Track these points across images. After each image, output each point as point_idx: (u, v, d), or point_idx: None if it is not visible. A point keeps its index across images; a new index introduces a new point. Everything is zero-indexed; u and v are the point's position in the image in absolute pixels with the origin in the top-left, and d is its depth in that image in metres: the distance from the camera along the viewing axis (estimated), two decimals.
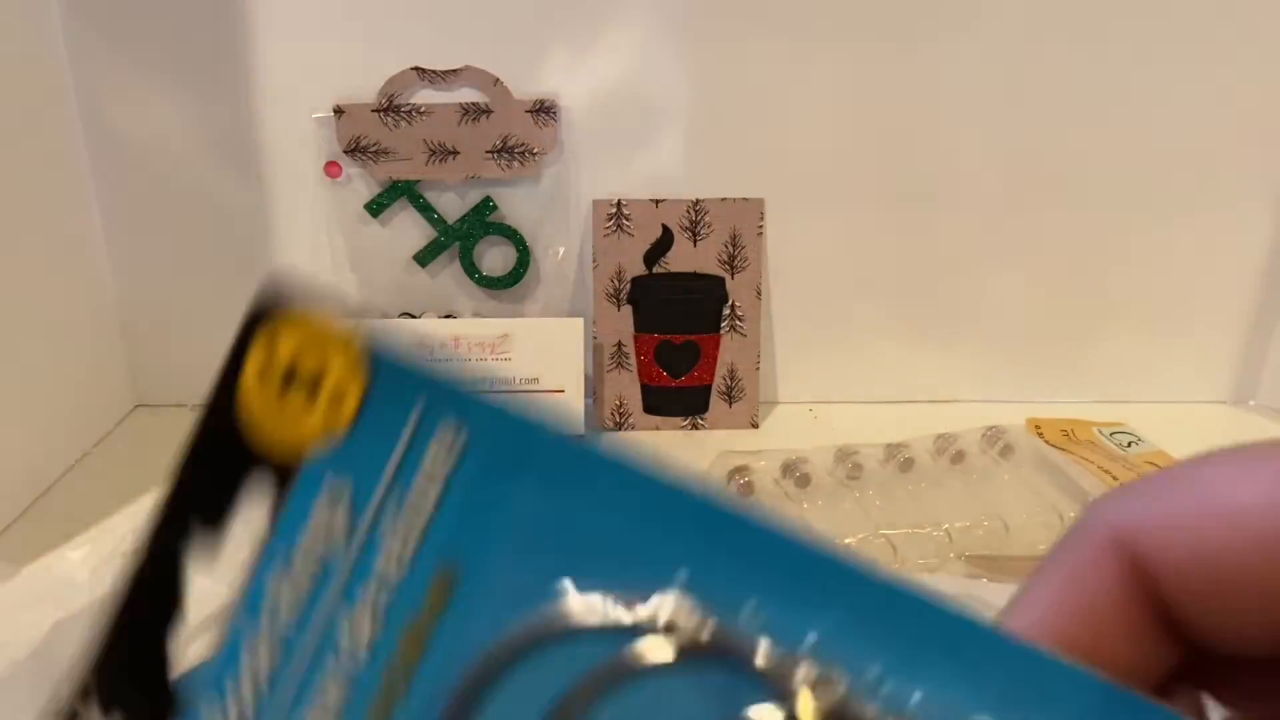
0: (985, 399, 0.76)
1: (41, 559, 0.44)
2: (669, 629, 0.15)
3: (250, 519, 0.19)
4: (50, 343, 0.66)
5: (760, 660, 0.15)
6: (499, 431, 0.16)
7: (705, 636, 0.15)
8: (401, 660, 0.16)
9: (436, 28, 0.67)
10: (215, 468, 0.19)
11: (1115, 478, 0.60)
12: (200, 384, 0.66)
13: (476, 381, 0.16)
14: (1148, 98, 0.69)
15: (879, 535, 0.55)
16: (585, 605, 0.15)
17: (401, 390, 0.17)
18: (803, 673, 0.15)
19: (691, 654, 0.15)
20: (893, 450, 0.62)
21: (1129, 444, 0.67)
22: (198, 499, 0.19)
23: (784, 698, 0.15)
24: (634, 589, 0.15)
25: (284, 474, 0.18)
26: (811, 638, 0.15)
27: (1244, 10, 0.67)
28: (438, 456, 0.16)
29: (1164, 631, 0.16)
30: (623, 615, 0.15)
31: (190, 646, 0.44)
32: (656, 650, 0.15)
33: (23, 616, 0.40)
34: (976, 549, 0.54)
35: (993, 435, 0.64)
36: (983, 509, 0.57)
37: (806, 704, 0.15)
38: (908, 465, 0.61)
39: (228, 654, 0.18)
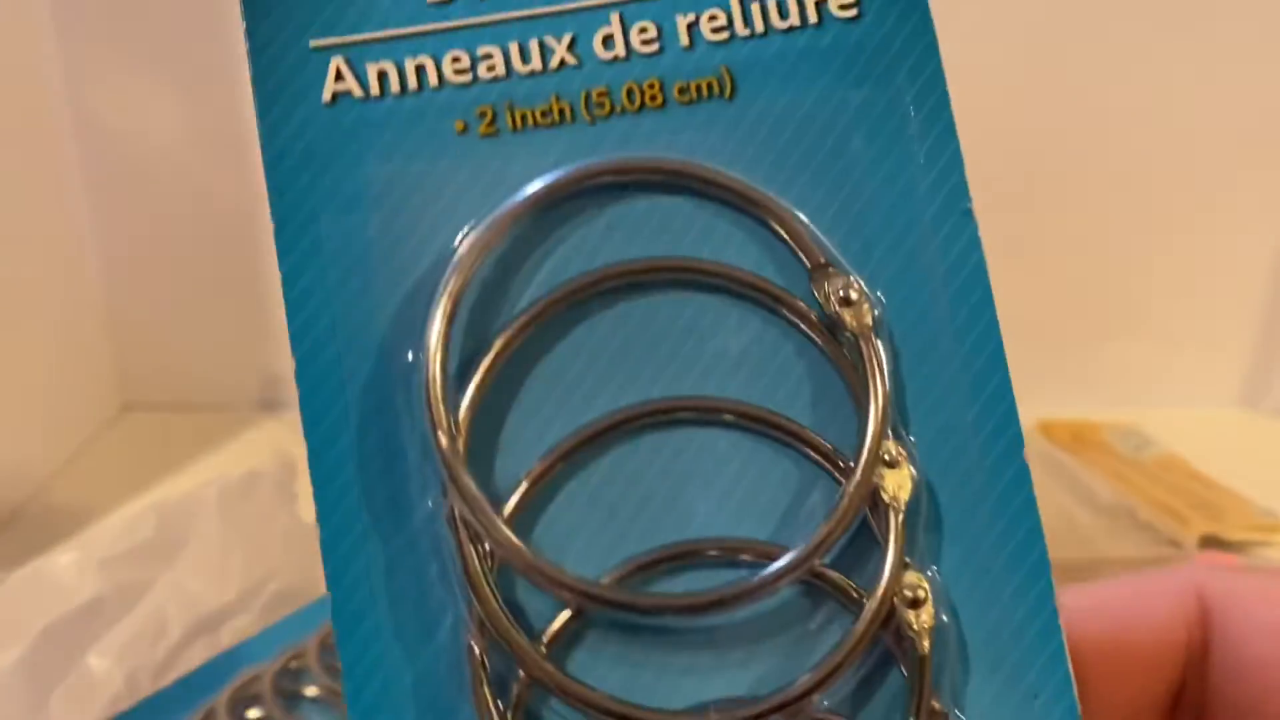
0: None
1: (29, 564, 0.44)
2: None
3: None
4: (37, 344, 0.66)
5: None
6: None
7: None
8: None
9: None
10: None
11: (1126, 481, 0.60)
12: (188, 385, 0.65)
13: None
14: (1160, 98, 0.69)
15: None
16: None
17: None
18: None
19: None
20: None
21: (1140, 447, 0.66)
22: None
23: None
24: None
25: None
26: None
27: (1256, 10, 0.67)
28: None
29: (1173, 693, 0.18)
30: None
31: (188, 647, 0.43)
32: None
33: (12, 622, 0.40)
34: None
35: None
36: None
37: None
38: None
39: None
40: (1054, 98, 0.69)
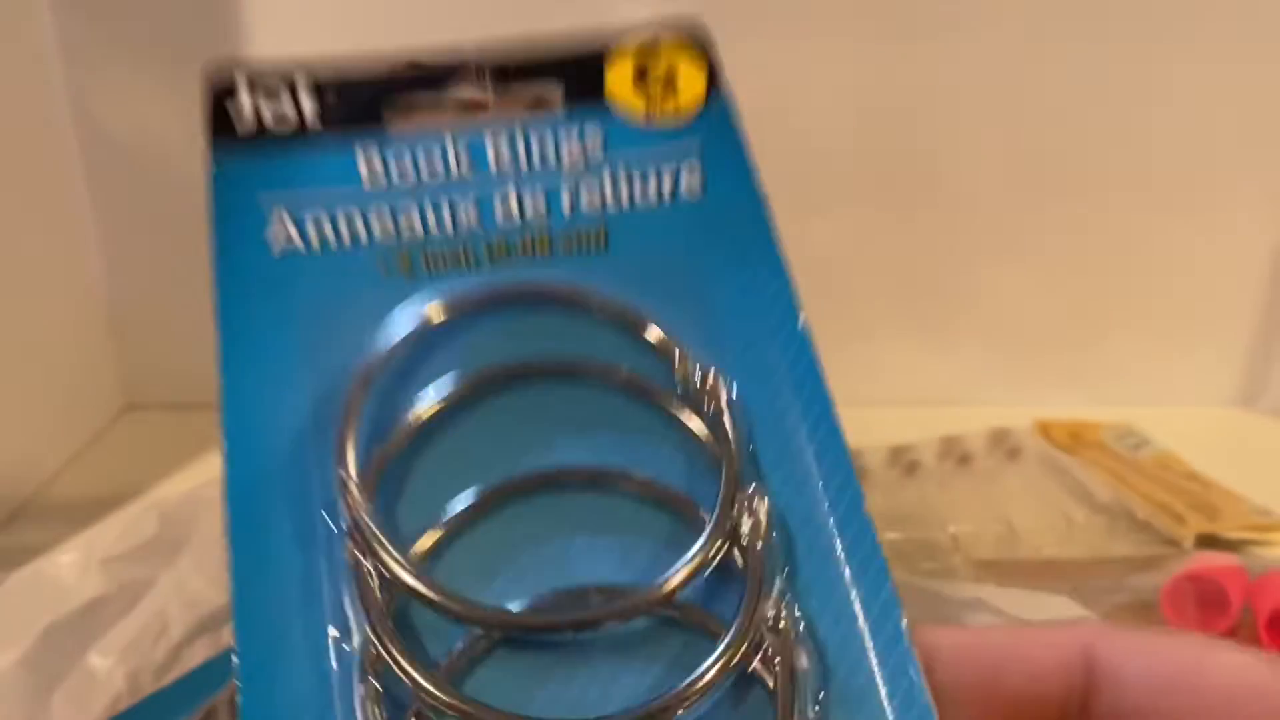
0: (992, 401, 0.75)
1: (31, 563, 0.44)
2: None
3: None
4: (40, 342, 0.66)
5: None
6: None
7: None
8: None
9: (433, 25, 0.67)
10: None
11: (1123, 480, 0.60)
12: (191, 384, 0.65)
13: None
14: (1158, 96, 0.69)
15: (883, 539, 0.54)
16: None
17: None
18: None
19: None
20: (897, 453, 0.62)
21: (1137, 446, 0.67)
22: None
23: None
24: None
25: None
26: None
27: (1253, 8, 0.67)
28: None
29: None
30: None
31: (190, 646, 0.43)
32: None
33: (13, 621, 0.40)
34: (983, 553, 0.54)
35: (999, 437, 0.64)
36: (989, 512, 0.57)
37: None
38: (913, 468, 0.61)
39: None
40: (1050, 98, 0.69)
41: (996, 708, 0.19)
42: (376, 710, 0.20)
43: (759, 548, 0.21)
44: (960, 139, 0.70)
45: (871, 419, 0.73)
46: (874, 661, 0.20)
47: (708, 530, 0.21)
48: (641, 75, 0.28)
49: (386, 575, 0.20)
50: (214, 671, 0.40)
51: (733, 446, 0.22)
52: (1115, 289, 0.74)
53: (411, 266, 0.24)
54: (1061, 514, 0.57)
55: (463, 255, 0.24)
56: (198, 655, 0.42)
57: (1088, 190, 0.71)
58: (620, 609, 0.21)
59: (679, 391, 0.23)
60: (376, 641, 0.20)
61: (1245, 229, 0.72)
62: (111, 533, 0.44)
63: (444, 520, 0.22)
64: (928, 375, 0.76)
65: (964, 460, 0.62)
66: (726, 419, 0.23)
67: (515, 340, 0.23)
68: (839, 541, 0.22)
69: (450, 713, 0.19)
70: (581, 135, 0.27)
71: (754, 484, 0.22)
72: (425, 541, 0.21)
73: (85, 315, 0.72)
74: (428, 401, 0.23)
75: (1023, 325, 0.75)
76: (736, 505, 0.22)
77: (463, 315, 0.23)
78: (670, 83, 0.28)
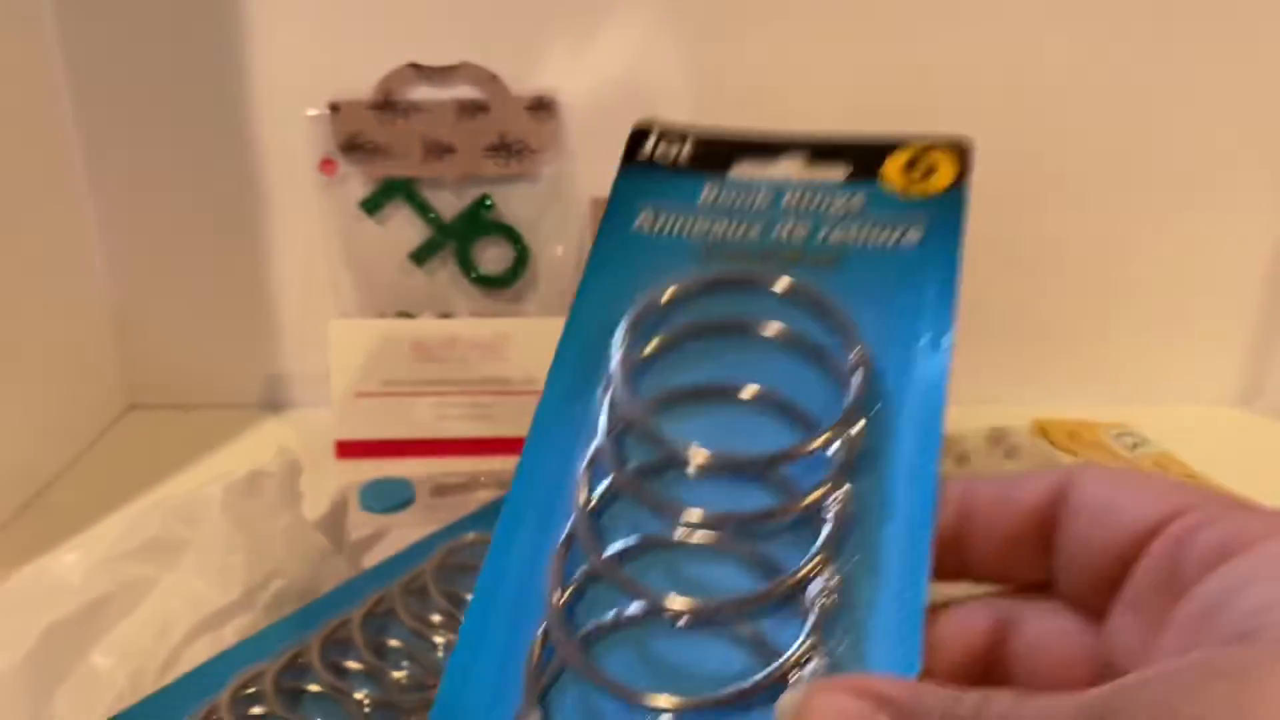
0: (990, 400, 0.75)
1: (35, 562, 0.44)
2: None
3: None
4: (43, 343, 0.66)
5: None
6: None
7: None
8: None
9: (433, 24, 0.67)
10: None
11: None
12: (194, 384, 0.66)
13: None
14: (1156, 96, 0.69)
15: None
16: None
17: None
18: None
19: None
20: None
21: (1135, 445, 0.67)
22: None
23: None
24: None
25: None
26: None
27: (1251, 8, 0.67)
28: None
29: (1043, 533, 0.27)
30: None
31: (191, 646, 0.43)
32: None
33: (16, 620, 0.40)
34: None
35: (998, 437, 0.64)
36: None
37: None
38: None
39: None
40: (1049, 97, 0.69)
41: (1004, 510, 0.28)
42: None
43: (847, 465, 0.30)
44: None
45: None
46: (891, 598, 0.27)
47: (826, 432, 0.30)
48: (910, 165, 0.38)
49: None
50: (215, 671, 0.40)
51: (854, 395, 0.31)
52: (1113, 290, 0.74)
53: (710, 255, 0.36)
54: None
55: (744, 255, 0.36)
56: (199, 655, 0.42)
57: (1085, 191, 0.71)
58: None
59: (838, 358, 0.32)
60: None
61: (1243, 229, 0.73)
62: (114, 532, 0.44)
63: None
64: None
65: (962, 460, 0.62)
66: (859, 378, 0.31)
67: (730, 308, 0.34)
68: (907, 505, 0.29)
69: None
70: (850, 196, 0.37)
71: (861, 423, 0.31)
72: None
73: (89, 317, 0.72)
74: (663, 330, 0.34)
75: (1021, 325, 0.75)
76: (845, 428, 0.30)
77: (703, 290, 0.35)
78: (929, 172, 0.38)
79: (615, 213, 0.38)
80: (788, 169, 0.39)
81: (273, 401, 0.75)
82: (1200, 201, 0.72)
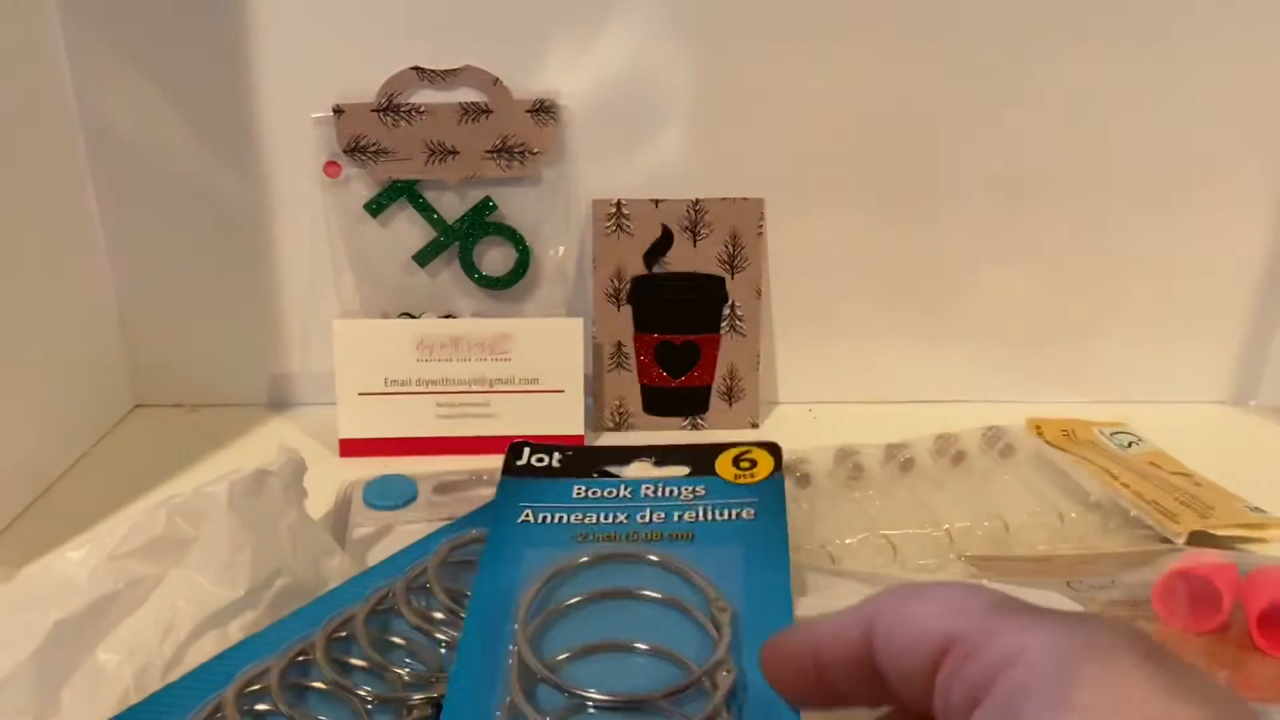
0: (985, 399, 0.76)
1: (41, 560, 0.44)
2: None
3: None
4: (49, 342, 0.66)
5: None
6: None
7: None
8: None
9: (436, 27, 0.67)
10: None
11: (1115, 477, 0.60)
12: (199, 384, 0.66)
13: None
14: (1149, 96, 0.69)
15: (879, 536, 0.55)
16: None
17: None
18: None
19: None
20: (893, 451, 0.62)
21: (1129, 444, 0.67)
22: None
23: None
24: None
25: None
26: None
27: (1246, 9, 0.67)
28: None
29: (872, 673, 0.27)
30: None
31: (197, 643, 0.43)
32: None
33: (22, 618, 0.40)
34: (977, 549, 0.54)
35: (993, 435, 0.64)
36: (983, 509, 0.57)
37: None
38: (908, 466, 0.61)
39: None
40: (1045, 98, 0.69)
41: (831, 660, 0.28)
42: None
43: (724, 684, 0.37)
44: (956, 140, 0.70)
45: (867, 417, 0.74)
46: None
47: (693, 677, 0.37)
48: (736, 461, 0.50)
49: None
50: (220, 668, 0.40)
51: (725, 638, 0.38)
52: (1107, 288, 0.74)
53: (586, 539, 0.45)
54: (1054, 511, 0.57)
55: (613, 537, 0.45)
56: (204, 652, 0.42)
57: (1080, 191, 0.72)
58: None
59: (704, 611, 0.40)
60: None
61: (1236, 229, 0.73)
62: (120, 530, 0.44)
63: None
64: (923, 374, 0.76)
65: (958, 458, 0.62)
66: (725, 623, 0.39)
67: (610, 579, 0.43)
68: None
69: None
70: (694, 486, 0.49)
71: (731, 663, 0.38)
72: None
73: (95, 316, 0.72)
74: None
75: (1016, 324, 0.75)
76: (716, 667, 0.37)
77: (587, 565, 0.43)
78: (752, 466, 0.50)
79: (503, 509, 0.47)
80: (640, 470, 0.51)
81: (277, 400, 0.76)
82: (1194, 200, 0.72)
